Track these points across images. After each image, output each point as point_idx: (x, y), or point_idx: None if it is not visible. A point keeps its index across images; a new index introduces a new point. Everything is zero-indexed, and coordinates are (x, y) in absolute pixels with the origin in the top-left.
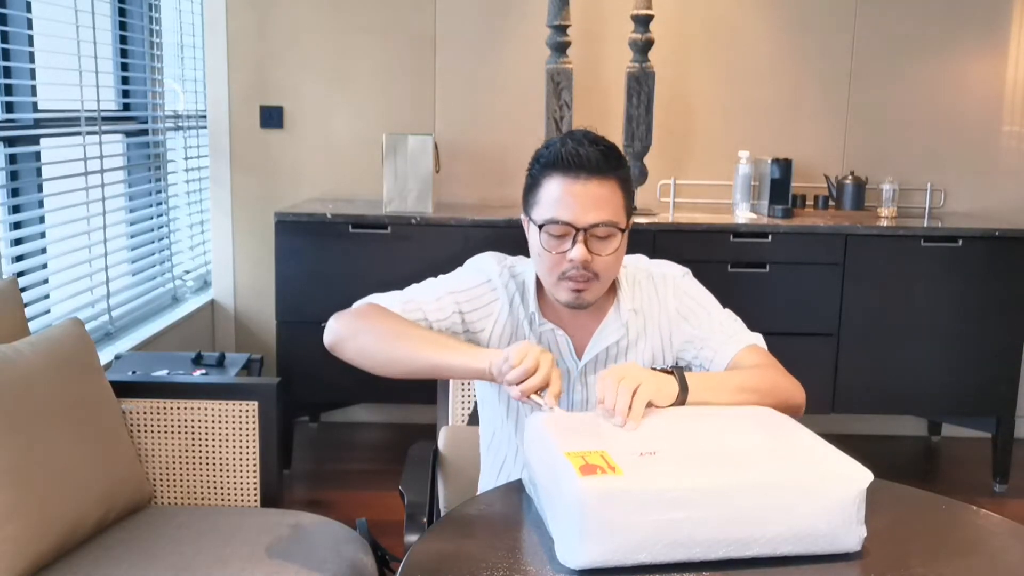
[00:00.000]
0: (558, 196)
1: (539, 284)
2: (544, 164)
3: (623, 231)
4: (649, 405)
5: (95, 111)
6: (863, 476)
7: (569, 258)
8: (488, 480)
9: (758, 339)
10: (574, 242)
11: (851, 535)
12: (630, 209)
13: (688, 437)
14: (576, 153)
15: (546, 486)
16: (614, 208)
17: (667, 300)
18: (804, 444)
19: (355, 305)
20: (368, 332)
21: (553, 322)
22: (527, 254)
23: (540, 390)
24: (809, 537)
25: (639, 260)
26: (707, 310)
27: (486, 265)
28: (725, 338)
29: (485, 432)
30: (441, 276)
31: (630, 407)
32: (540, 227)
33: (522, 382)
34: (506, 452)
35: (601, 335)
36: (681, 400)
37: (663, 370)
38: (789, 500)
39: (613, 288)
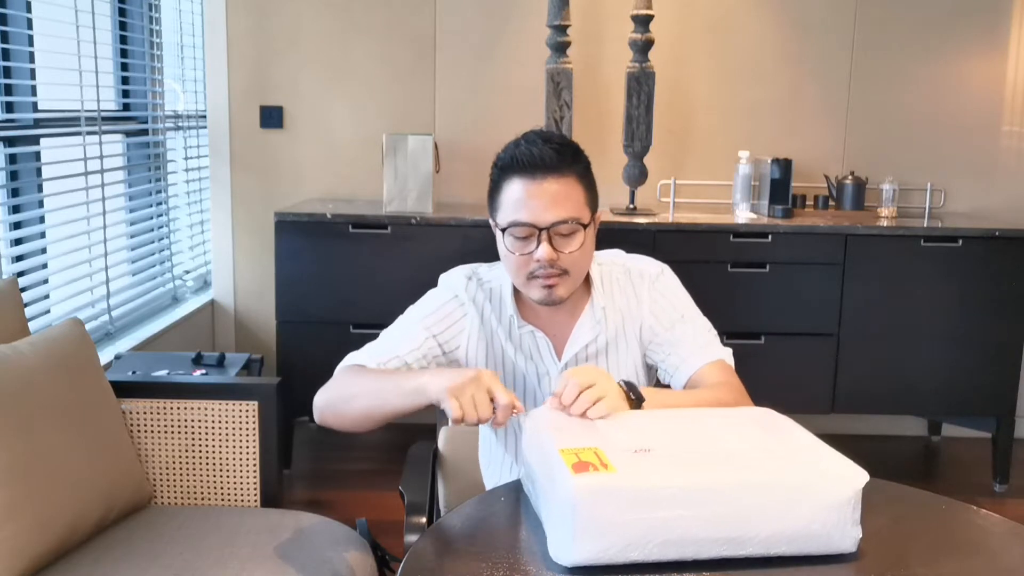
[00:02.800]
0: (517, 198)
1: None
2: (501, 167)
3: (586, 226)
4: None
5: (95, 111)
6: (858, 477)
7: (535, 258)
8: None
9: (727, 355)
10: (538, 242)
11: (846, 536)
12: (594, 202)
13: (683, 436)
14: (530, 153)
15: (542, 483)
16: (575, 204)
17: (642, 298)
18: (800, 444)
19: (338, 369)
20: (339, 402)
21: (532, 324)
22: None
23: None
24: (803, 537)
25: (615, 255)
26: (680, 313)
27: (452, 281)
28: (695, 348)
29: (482, 443)
30: (411, 307)
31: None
32: (504, 230)
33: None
34: (499, 474)
35: (578, 334)
36: None
37: (620, 384)
38: (783, 500)
39: (588, 286)
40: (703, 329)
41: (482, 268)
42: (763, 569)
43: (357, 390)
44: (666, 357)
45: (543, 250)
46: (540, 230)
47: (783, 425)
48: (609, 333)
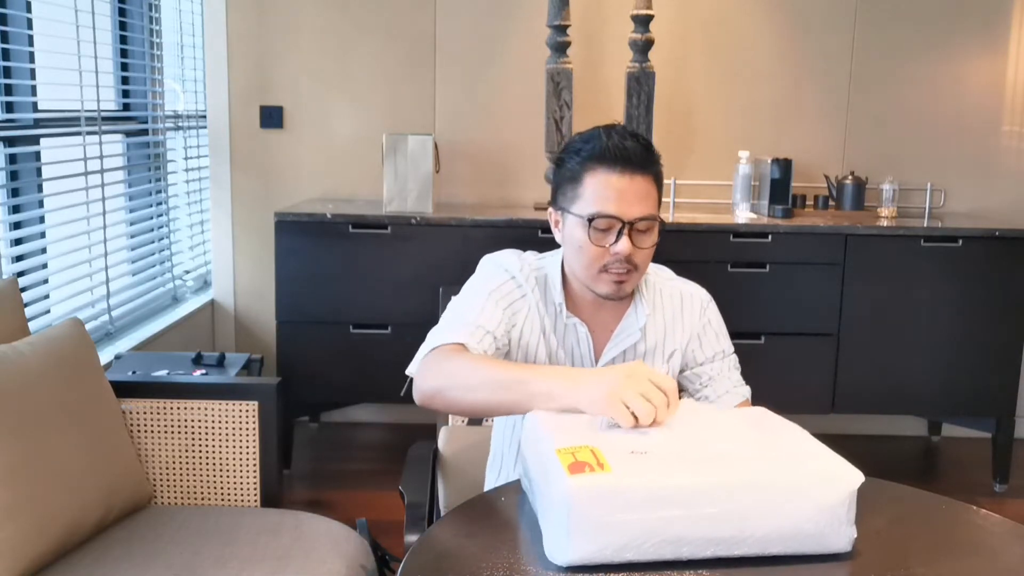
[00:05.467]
0: (604, 190)
1: (563, 277)
2: (587, 157)
3: (661, 223)
4: None
5: (95, 111)
6: (853, 477)
7: (614, 251)
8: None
9: (748, 392)
10: (619, 235)
11: (840, 536)
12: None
13: (681, 436)
14: (623, 147)
15: (538, 482)
16: (653, 201)
17: (689, 322)
18: (796, 444)
19: (429, 349)
20: (454, 390)
21: (576, 316)
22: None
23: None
24: (796, 538)
25: (663, 270)
26: (722, 347)
27: (507, 262)
28: (729, 386)
29: (494, 451)
30: (468, 286)
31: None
32: (589, 221)
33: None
34: (505, 480)
35: (620, 338)
36: None
37: None
38: (777, 500)
39: (633, 291)
40: (734, 366)
41: (526, 254)
42: (758, 568)
43: (476, 381)
44: (701, 388)
45: (623, 244)
46: (624, 224)
47: (778, 425)
48: (648, 343)
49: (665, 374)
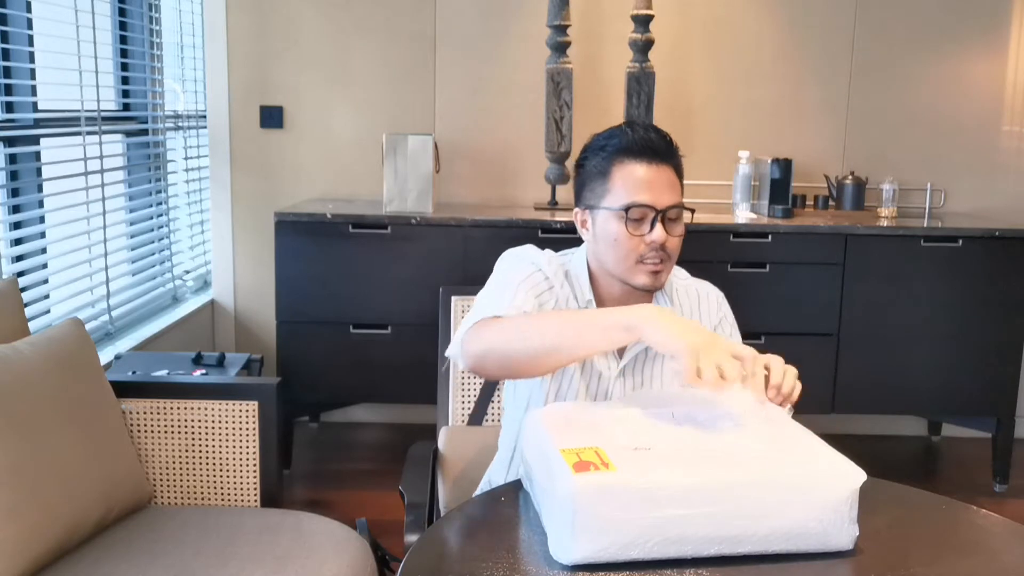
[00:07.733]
0: (636, 181)
1: (590, 273)
2: (614, 152)
3: (690, 212)
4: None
5: (95, 111)
6: (856, 475)
7: (649, 240)
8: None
9: None
10: (653, 224)
11: (843, 534)
12: None
13: (684, 434)
14: (648, 139)
15: (541, 482)
16: (679, 191)
17: (710, 316)
18: (799, 442)
19: (471, 325)
20: (512, 342)
21: None
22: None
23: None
24: (800, 535)
25: (678, 270)
26: (735, 342)
27: (533, 256)
28: None
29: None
30: (494, 279)
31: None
32: (626, 211)
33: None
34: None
35: None
36: None
37: None
38: (781, 498)
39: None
40: None
41: (548, 250)
42: (761, 565)
43: (537, 328)
44: None
45: (658, 232)
46: (657, 212)
47: (783, 422)
48: None
49: (745, 346)
